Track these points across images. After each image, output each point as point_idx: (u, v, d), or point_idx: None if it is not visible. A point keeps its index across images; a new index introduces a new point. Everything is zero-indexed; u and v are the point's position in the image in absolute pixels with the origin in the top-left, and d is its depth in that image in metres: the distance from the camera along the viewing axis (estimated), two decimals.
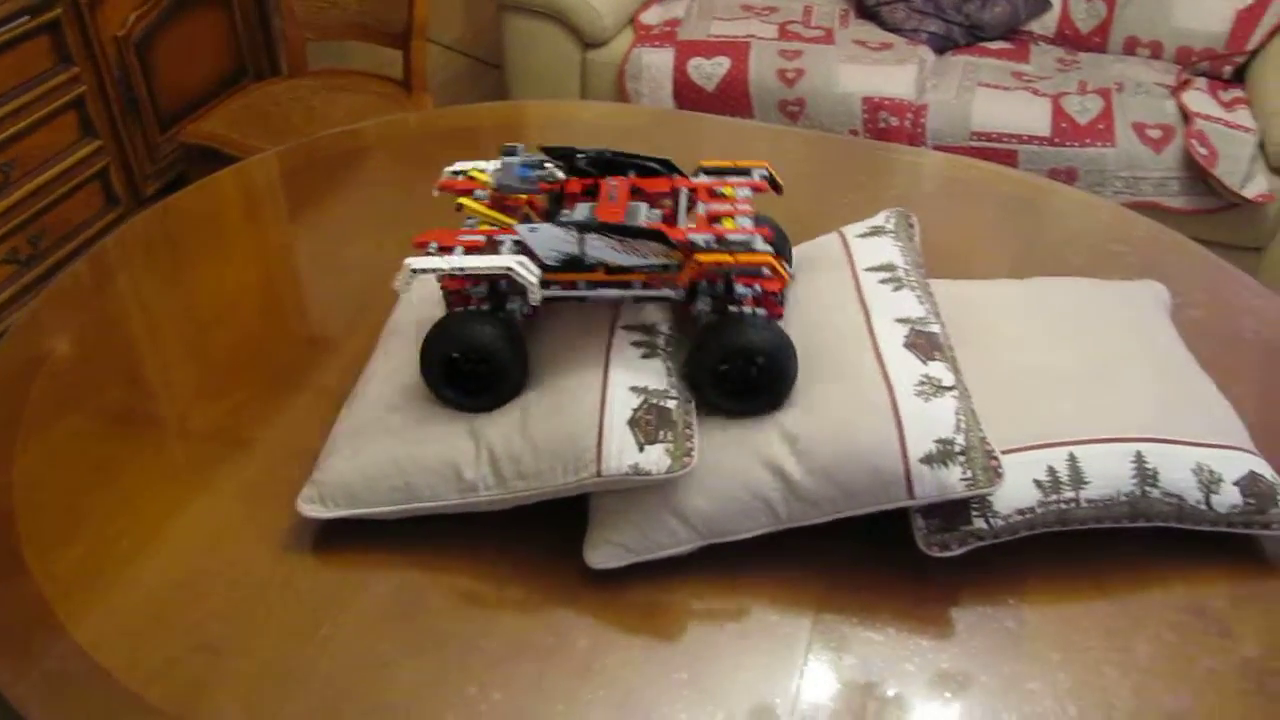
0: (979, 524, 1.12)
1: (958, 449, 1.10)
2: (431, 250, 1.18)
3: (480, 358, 1.17)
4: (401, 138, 1.95)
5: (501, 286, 1.20)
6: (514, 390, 1.20)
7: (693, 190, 1.26)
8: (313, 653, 1.09)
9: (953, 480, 1.10)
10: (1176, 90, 2.78)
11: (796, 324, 1.25)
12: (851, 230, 1.39)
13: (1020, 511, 1.13)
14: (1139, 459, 1.16)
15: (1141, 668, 1.09)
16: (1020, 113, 2.68)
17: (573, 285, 1.19)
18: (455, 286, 1.21)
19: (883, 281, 1.28)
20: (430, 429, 1.17)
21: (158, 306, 1.53)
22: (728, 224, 1.19)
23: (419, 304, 1.36)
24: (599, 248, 1.16)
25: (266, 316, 1.52)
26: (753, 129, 2.06)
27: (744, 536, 1.14)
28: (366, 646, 1.09)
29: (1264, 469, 1.20)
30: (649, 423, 1.11)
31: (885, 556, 1.18)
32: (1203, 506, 1.17)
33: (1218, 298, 1.57)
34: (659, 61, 2.88)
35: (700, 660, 1.08)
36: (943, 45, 2.99)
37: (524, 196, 1.26)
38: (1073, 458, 1.15)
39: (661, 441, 1.09)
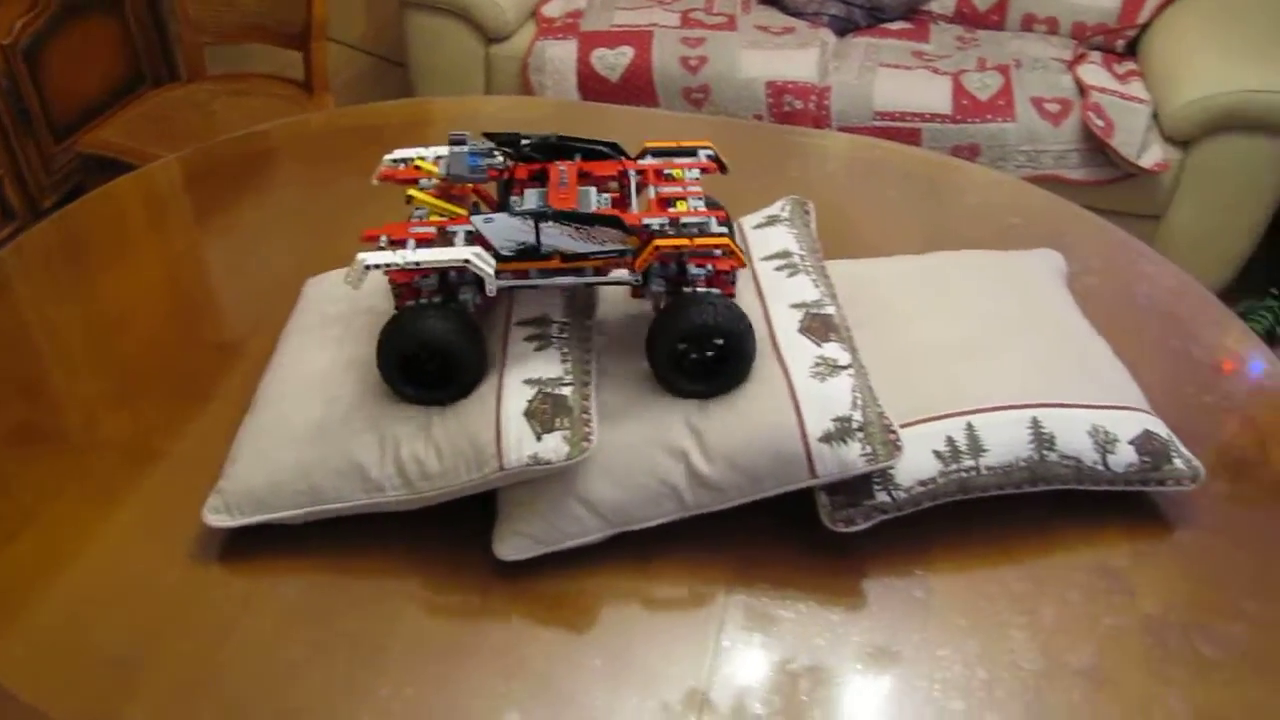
0: (882, 497, 1.14)
1: (856, 425, 1.11)
2: (383, 244, 1.15)
3: (439, 352, 1.14)
4: (306, 138, 1.93)
5: (451, 278, 1.18)
6: (475, 380, 1.17)
7: (641, 173, 1.25)
8: (224, 661, 1.07)
9: (853, 457, 1.11)
10: (1073, 65, 2.83)
11: None
12: (749, 221, 1.40)
13: (922, 483, 1.15)
14: (1035, 424, 1.18)
15: (1047, 629, 1.11)
16: (922, 92, 2.72)
17: (525, 274, 1.17)
18: (405, 279, 1.17)
19: (778, 269, 1.29)
20: (334, 431, 1.16)
21: (59, 317, 1.50)
22: (681, 206, 1.18)
23: (321, 301, 1.34)
24: (555, 236, 1.13)
25: (172, 324, 1.49)
26: (659, 117, 2.06)
27: (652, 524, 1.14)
28: (277, 651, 1.08)
29: (1158, 427, 1.23)
30: (545, 412, 1.11)
31: (794, 534, 1.19)
32: (1100, 467, 1.19)
33: (1113, 265, 1.61)
34: (562, 53, 2.87)
35: (614, 646, 1.09)
36: (844, 27, 3.02)
37: (471, 185, 1.24)
38: (970, 427, 1.17)
39: (559, 429, 1.09)
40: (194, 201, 1.77)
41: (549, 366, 1.16)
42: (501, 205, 1.20)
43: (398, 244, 1.14)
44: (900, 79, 2.74)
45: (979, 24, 3.08)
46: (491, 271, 1.13)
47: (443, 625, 1.11)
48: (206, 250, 1.65)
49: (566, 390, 1.14)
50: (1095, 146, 2.64)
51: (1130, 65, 2.86)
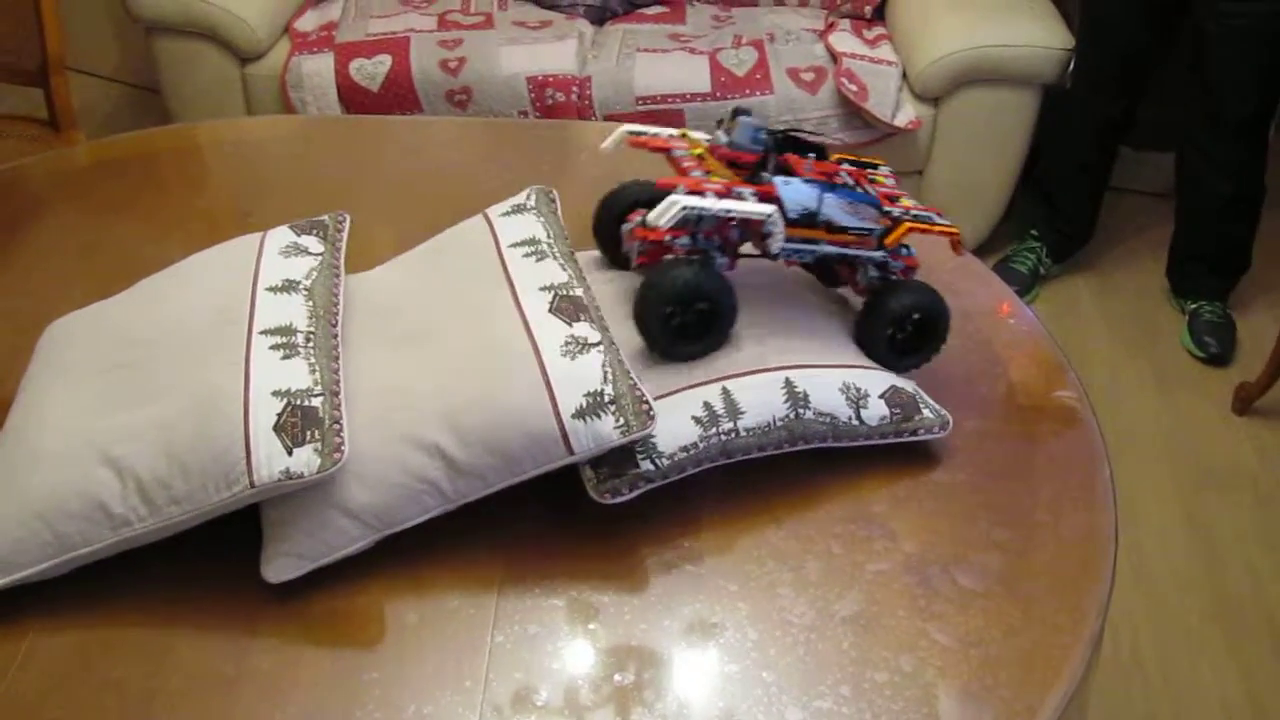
0: (646, 466, 1.15)
1: (608, 399, 1.12)
2: (681, 192, 1.20)
3: (707, 300, 1.21)
4: (67, 173, 1.84)
5: (700, 242, 1.26)
6: (725, 336, 1.26)
7: (851, 174, 1.34)
8: None
9: (607, 430, 1.12)
10: (824, 34, 2.91)
11: (446, 303, 1.25)
12: (495, 210, 1.40)
13: (684, 449, 1.16)
14: (789, 384, 1.21)
15: (814, 582, 1.14)
16: (681, 73, 2.76)
17: (795, 240, 1.26)
18: (658, 238, 1.24)
19: (526, 255, 1.29)
20: (66, 471, 1.11)
21: None
22: (904, 203, 1.34)
23: (58, 346, 1.29)
24: (831, 206, 1.25)
25: None
26: (425, 124, 2.03)
27: (417, 521, 1.13)
28: (41, 712, 1.03)
29: (903, 382, 1.28)
30: (294, 425, 1.08)
31: (566, 522, 1.19)
32: (855, 422, 1.23)
33: None
34: (320, 67, 2.82)
35: (388, 658, 1.07)
36: (600, 16, 3.04)
37: (750, 156, 1.30)
38: (726, 391, 1.19)
39: (309, 442, 1.07)
40: None
41: (298, 377, 1.14)
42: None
43: (697, 195, 1.20)
44: (659, 62, 2.78)
45: (733, 2, 3.14)
46: (783, 230, 1.22)
47: (214, 659, 1.07)
48: None
49: (316, 401, 1.12)
50: (851, 110, 2.72)
51: (879, 30, 2.95)
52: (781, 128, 1.35)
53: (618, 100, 2.75)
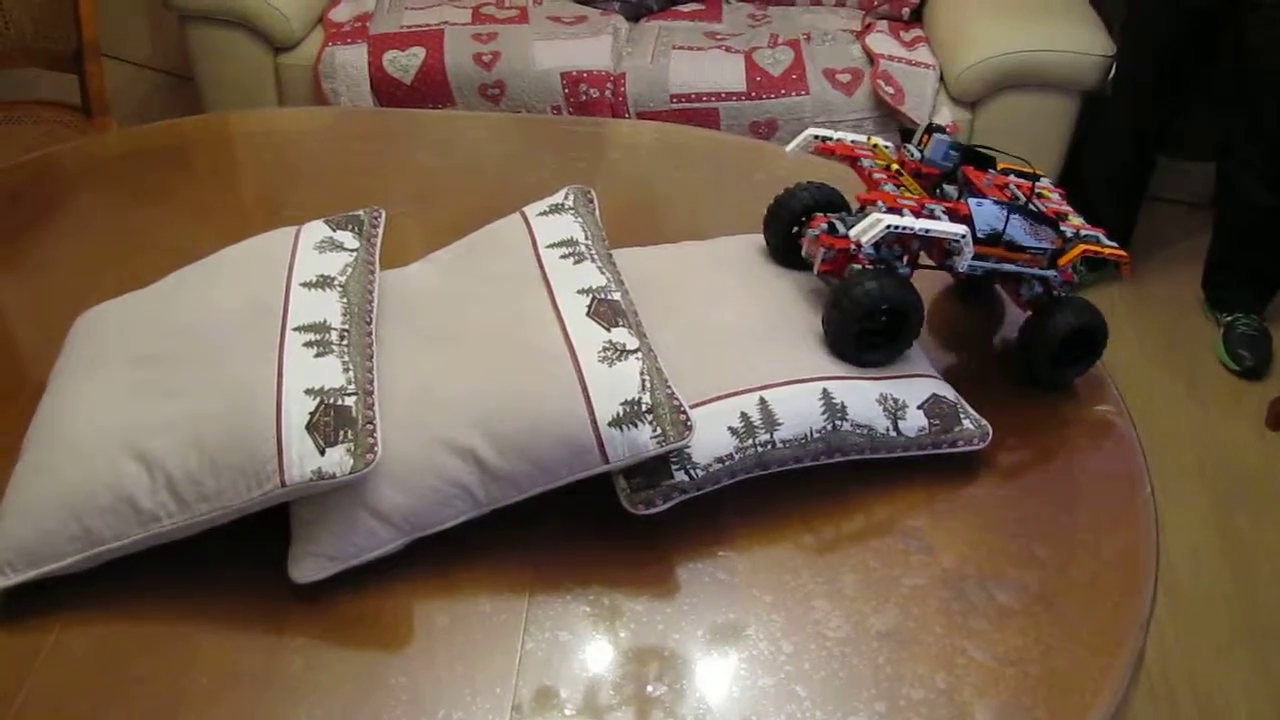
0: (680, 477, 1.13)
1: (645, 408, 1.10)
2: (881, 209, 1.23)
3: (896, 309, 1.23)
4: (99, 161, 1.83)
5: (884, 252, 1.27)
6: (911, 342, 1.28)
7: (1020, 187, 1.36)
8: None
9: (643, 439, 1.10)
10: (861, 35, 2.88)
11: (482, 303, 1.24)
12: (532, 209, 1.38)
13: (719, 459, 1.14)
14: (826, 395, 1.19)
15: (849, 595, 1.12)
16: (716, 71, 2.74)
17: (983, 258, 1.29)
18: (843, 246, 1.27)
19: (564, 256, 1.27)
20: (96, 465, 1.10)
21: None
22: (1074, 220, 1.37)
23: (89, 337, 1.28)
24: (1016, 227, 1.27)
25: None
26: (458, 118, 2.02)
27: (447, 525, 1.12)
28: (67, 707, 1.02)
29: (945, 390, 1.25)
30: (327, 424, 1.07)
31: (598, 528, 1.17)
32: (892, 433, 1.21)
33: None
34: (353, 59, 2.81)
35: (416, 662, 1.06)
36: (636, 12, 3.02)
37: (931, 170, 1.34)
38: (763, 401, 1.17)
39: (342, 442, 1.06)
40: None
41: (331, 376, 1.12)
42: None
43: (894, 212, 1.23)
44: (694, 60, 2.76)
45: (770, 1, 3.11)
46: (972, 249, 1.24)
47: (240, 659, 1.06)
48: None
49: (350, 401, 1.10)
50: (888, 113, 2.70)
51: (916, 32, 2.92)
52: (962, 143, 1.38)
53: (652, 98, 2.73)
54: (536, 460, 1.10)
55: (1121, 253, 1.34)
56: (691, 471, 1.13)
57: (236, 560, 1.14)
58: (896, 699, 1.03)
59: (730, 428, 1.16)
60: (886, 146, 1.39)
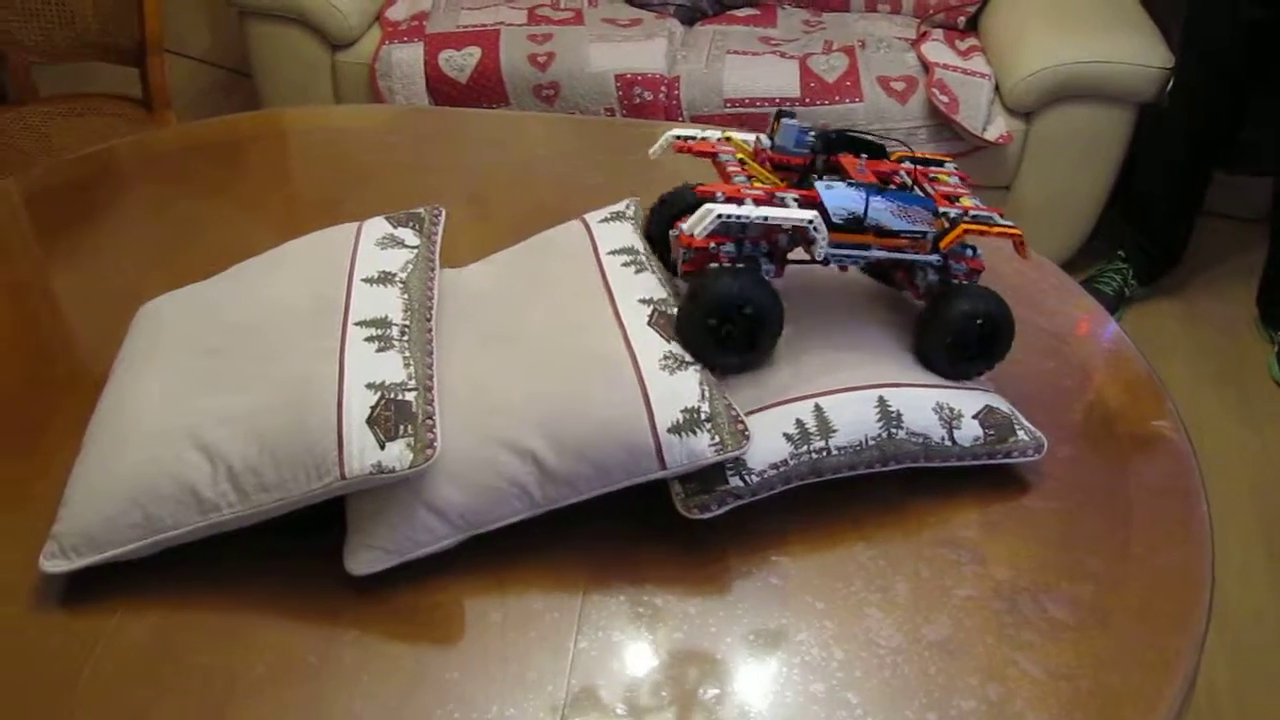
0: (735, 482, 1.13)
1: (704, 416, 1.11)
2: (719, 199, 1.18)
3: (751, 311, 1.18)
4: (157, 155, 1.86)
5: (746, 249, 1.22)
6: (772, 347, 1.24)
7: (910, 173, 1.31)
8: (71, 706, 1.03)
9: (702, 447, 1.10)
10: (916, 43, 2.87)
11: (542, 306, 1.24)
12: (593, 217, 1.39)
13: (774, 466, 1.15)
14: (882, 403, 1.19)
15: (902, 604, 1.12)
16: (770, 76, 2.74)
17: (842, 245, 1.22)
18: (703, 245, 1.21)
19: (625, 264, 1.28)
20: (159, 454, 1.12)
21: None
22: (965, 202, 1.29)
23: (151, 328, 1.30)
24: (879, 210, 1.21)
25: (19, 359, 1.42)
26: (512, 118, 2.03)
27: (503, 524, 1.13)
28: (125, 694, 1.04)
29: (998, 402, 1.25)
30: (388, 419, 1.08)
31: (651, 529, 1.18)
32: (948, 442, 1.21)
33: None
34: (409, 57, 2.83)
35: (470, 657, 1.07)
36: (691, 16, 3.03)
37: (798, 159, 1.29)
38: (819, 408, 1.18)
39: (402, 436, 1.07)
40: (38, 226, 1.69)
41: (392, 370, 1.14)
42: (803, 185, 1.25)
43: (735, 202, 1.17)
44: (748, 65, 2.76)
45: (824, 6, 3.11)
46: (826, 236, 1.18)
47: (296, 649, 1.08)
48: (54, 278, 1.58)
49: (410, 395, 1.11)
50: (941, 122, 2.69)
51: (971, 41, 2.91)
52: (836, 128, 1.33)
53: (705, 102, 2.73)
54: (595, 463, 1.11)
55: (1014, 231, 1.26)
56: (746, 477, 1.14)
57: (293, 552, 1.15)
58: (948, 709, 1.03)
59: (785, 434, 1.16)
60: (745, 140, 1.34)
